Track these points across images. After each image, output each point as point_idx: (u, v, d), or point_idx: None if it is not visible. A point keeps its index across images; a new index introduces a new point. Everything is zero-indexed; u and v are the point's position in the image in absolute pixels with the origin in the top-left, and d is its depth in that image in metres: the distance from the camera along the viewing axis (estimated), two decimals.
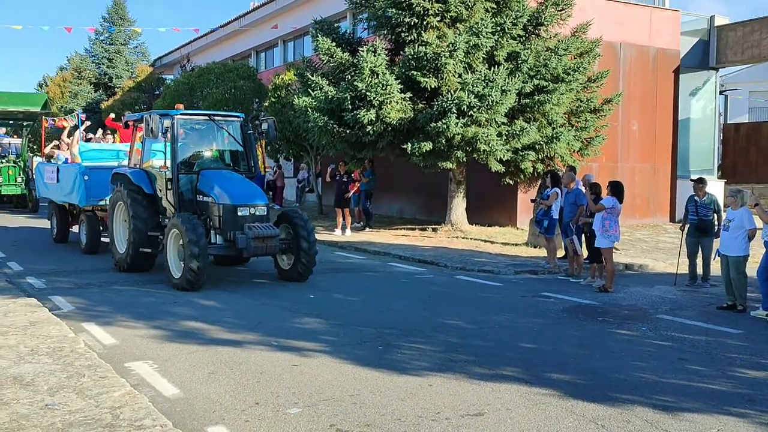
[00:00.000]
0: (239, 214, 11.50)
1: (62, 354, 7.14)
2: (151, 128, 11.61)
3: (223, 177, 12.19)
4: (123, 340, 8.27)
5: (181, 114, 12.82)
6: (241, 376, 6.97)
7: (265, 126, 13.09)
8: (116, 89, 51.42)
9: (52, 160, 17.99)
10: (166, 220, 12.33)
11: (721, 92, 29.94)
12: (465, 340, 8.58)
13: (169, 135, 12.11)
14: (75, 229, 16.94)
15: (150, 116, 11.83)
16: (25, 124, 28.99)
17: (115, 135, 18.53)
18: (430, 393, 6.55)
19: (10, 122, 29.06)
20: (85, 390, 6.06)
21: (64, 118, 18.82)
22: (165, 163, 12.30)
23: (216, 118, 13.32)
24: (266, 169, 13.75)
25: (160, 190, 12.53)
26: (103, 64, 54.58)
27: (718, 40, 25.31)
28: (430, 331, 8.99)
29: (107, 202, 14.09)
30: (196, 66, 36.68)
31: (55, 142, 17.98)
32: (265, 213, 11.83)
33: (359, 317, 9.72)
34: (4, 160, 27.83)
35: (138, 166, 13.19)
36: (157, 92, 42.53)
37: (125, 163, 14.67)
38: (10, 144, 29.73)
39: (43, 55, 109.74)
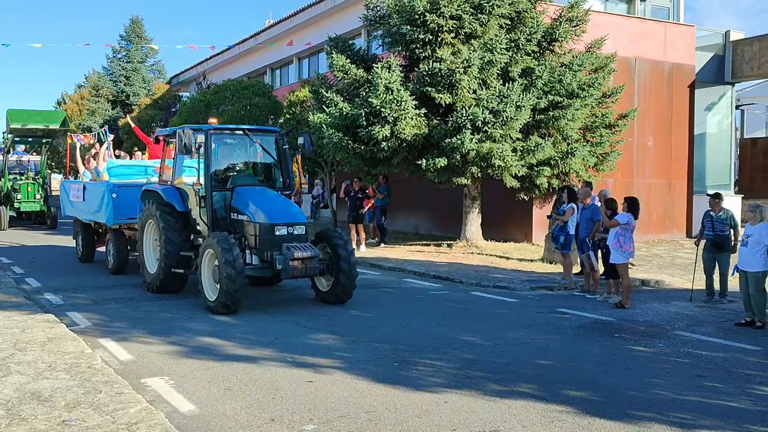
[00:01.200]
0: (277, 233, 10.93)
1: (79, 370, 7.18)
2: (185, 143, 11.18)
3: (259, 194, 11.66)
4: (139, 356, 8.30)
5: (215, 128, 12.27)
6: (256, 392, 6.98)
7: (301, 140, 12.51)
8: (133, 107, 51.86)
9: (78, 177, 17.65)
10: (200, 239, 11.95)
11: (737, 107, 29.80)
12: (480, 356, 8.55)
13: (202, 150, 11.61)
14: (101, 248, 16.58)
15: (183, 131, 11.42)
16: (44, 141, 29.19)
17: (144, 151, 18.07)
18: (445, 410, 6.53)
19: (29, 139, 29.21)
20: (102, 406, 6.09)
21: (90, 135, 18.39)
22: (198, 179, 11.85)
23: (250, 132, 12.78)
24: (303, 185, 13.10)
25: (193, 208, 12.09)
26: (120, 81, 55.13)
27: (734, 55, 25.24)
28: (445, 347, 8.97)
29: (137, 221, 13.63)
30: (212, 83, 36.98)
31: (93, 151, 17.30)
32: (304, 232, 11.26)
33: (374, 333, 9.71)
34: (23, 177, 28.08)
35: (169, 182, 12.71)
36: (174, 109, 42.87)
37: (154, 179, 14.39)
38: (29, 161, 30.08)
39: (62, 73, 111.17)
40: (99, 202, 14.94)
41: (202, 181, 11.70)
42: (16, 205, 27.08)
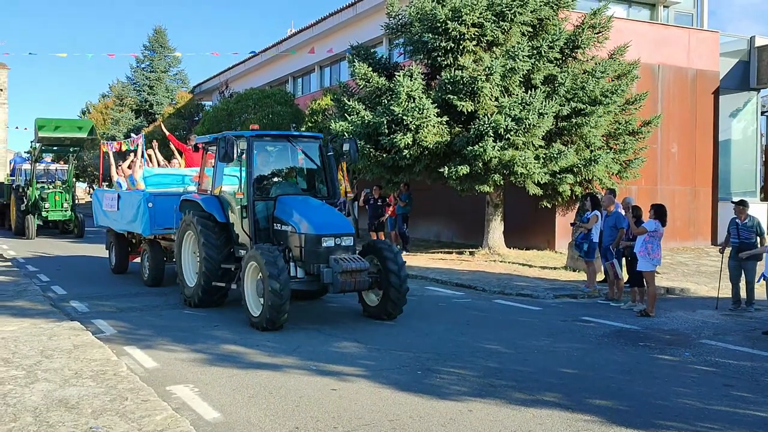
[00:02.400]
0: (324, 245, 10.33)
1: (105, 377, 7.24)
2: (226, 151, 10.68)
3: (304, 203, 11.08)
4: (164, 364, 8.35)
5: (257, 135, 11.65)
6: (280, 400, 6.99)
7: (346, 147, 11.90)
8: (156, 116, 52.36)
9: (112, 185, 17.23)
10: (241, 251, 11.43)
11: (762, 113, 29.48)
12: (504, 365, 8.51)
13: (244, 158, 11.10)
14: (134, 259, 16.35)
15: (225, 138, 10.91)
16: (72, 150, 29.13)
17: (181, 158, 17.48)
18: (470, 419, 6.50)
19: (54, 148, 29.26)
20: (128, 413, 6.13)
21: (123, 142, 17.33)
22: (239, 188, 11.32)
23: (293, 138, 12.24)
24: (347, 194, 12.49)
25: (234, 219, 11.58)
26: (144, 91, 55.71)
27: (759, 61, 25.00)
28: (468, 355, 8.94)
29: (173, 231, 13.24)
30: (234, 92, 37.21)
31: (130, 158, 16.72)
32: (352, 243, 10.66)
33: (397, 341, 9.70)
34: (51, 186, 28.17)
35: (209, 192, 12.17)
36: (197, 118, 43.21)
37: (191, 188, 14.01)
38: (56, 170, 30.26)
39: (86, 83, 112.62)
40: (134, 212, 14.48)
41: (243, 189, 11.18)
42: (44, 213, 27.11)
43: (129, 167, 16.05)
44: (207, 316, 11.34)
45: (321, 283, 10.41)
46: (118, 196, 15.51)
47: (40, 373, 7.37)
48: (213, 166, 12.24)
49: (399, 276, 10.79)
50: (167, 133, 17.72)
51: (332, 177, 12.06)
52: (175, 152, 17.49)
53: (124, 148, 17.00)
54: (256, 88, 34.62)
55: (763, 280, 10.93)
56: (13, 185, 30.21)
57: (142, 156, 15.79)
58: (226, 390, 7.32)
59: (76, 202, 30.27)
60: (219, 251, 11.53)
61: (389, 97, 17.79)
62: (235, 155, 10.82)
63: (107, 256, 17.33)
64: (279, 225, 10.98)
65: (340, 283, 10.04)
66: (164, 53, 55.90)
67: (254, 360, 8.57)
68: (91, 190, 59.75)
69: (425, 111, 16.81)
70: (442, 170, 17.44)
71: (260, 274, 10.10)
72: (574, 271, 16.78)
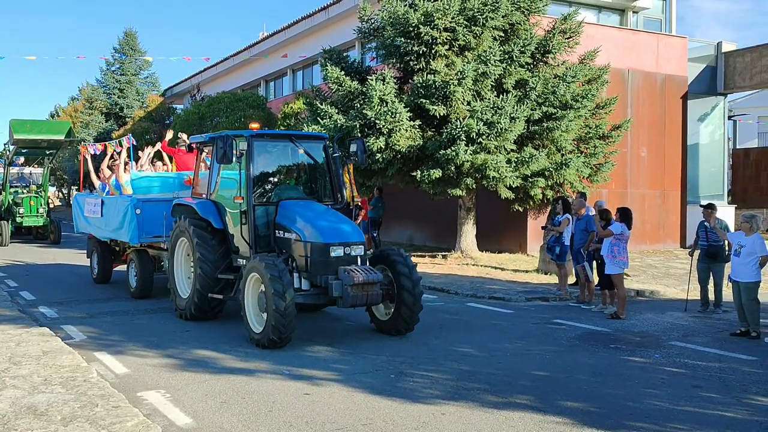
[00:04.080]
0: (332, 254, 9.49)
1: (75, 383, 7.15)
2: (224, 152, 9.87)
3: (309, 209, 10.27)
4: (135, 369, 8.28)
5: (257, 134, 10.83)
6: (253, 405, 6.96)
7: (353, 147, 11.18)
8: (127, 119, 51.87)
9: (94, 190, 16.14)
10: (240, 260, 10.67)
11: (729, 117, 29.97)
12: (477, 368, 8.55)
13: (243, 159, 10.32)
14: (117, 267, 15.51)
15: (223, 137, 10.04)
16: (48, 152, 27.72)
17: (171, 163, 16.21)
18: (443, 422, 6.53)
19: (30, 151, 27.96)
20: (98, 420, 6.07)
21: (109, 144, 16.04)
22: (238, 192, 10.45)
23: (296, 138, 11.40)
24: (355, 199, 11.44)
25: (232, 225, 10.80)
26: (114, 94, 55.11)
27: (726, 66, 25.40)
28: (441, 359, 8.97)
29: (163, 239, 12.63)
30: (206, 95, 37.00)
31: (111, 161, 15.54)
32: (362, 253, 9.80)
33: (370, 345, 9.70)
34: (25, 190, 27.10)
35: (205, 195, 11.42)
36: (168, 122, 42.88)
37: (182, 193, 13.08)
38: (30, 173, 29.09)
39: (55, 85, 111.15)
40: (120, 219, 13.48)
41: (242, 193, 10.33)
42: (18, 219, 26.00)
43: (110, 168, 15.16)
44: (179, 322, 11.25)
45: (329, 297, 9.50)
46: (102, 202, 14.57)
47: (8, 380, 7.27)
48: (208, 168, 11.56)
49: (413, 294, 9.92)
50: (163, 141, 16.57)
51: (338, 180, 11.25)
52: (164, 156, 16.50)
53: (110, 150, 15.78)
54: (228, 92, 34.46)
55: (730, 282, 11.07)
56: None
57: (130, 159, 14.74)
58: (198, 395, 7.27)
59: (54, 207, 29.29)
60: (215, 260, 10.80)
61: (362, 101, 17.80)
62: (233, 156, 10.06)
63: (87, 264, 16.40)
64: (281, 232, 10.17)
65: (351, 296, 9.17)
66: (135, 56, 55.38)
67: (226, 365, 8.53)
68: (60, 194, 59.07)
69: (398, 115, 16.85)
70: (414, 174, 17.48)
71: (262, 287, 9.32)
72: (546, 274, 16.91)
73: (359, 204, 18.15)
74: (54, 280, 16.20)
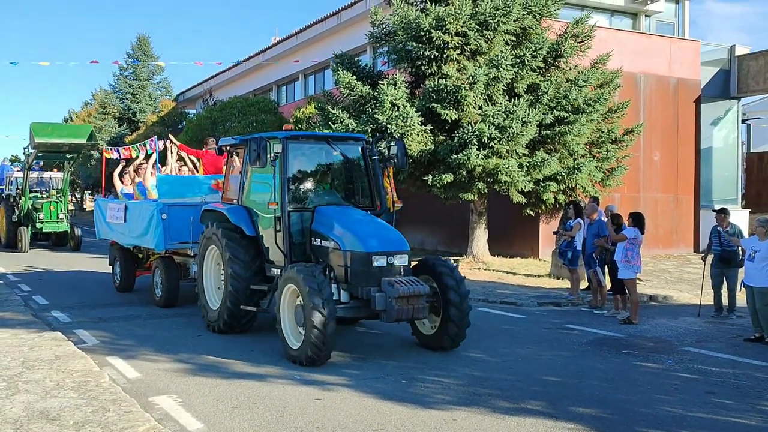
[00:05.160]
0: (375, 264, 8.87)
1: (87, 388, 7.18)
2: (258, 154, 9.33)
3: (347, 215, 9.70)
4: (147, 374, 8.30)
5: (292, 136, 10.28)
6: (264, 410, 6.97)
7: (394, 149, 10.47)
8: (140, 124, 52.15)
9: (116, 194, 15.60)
10: (274, 269, 10.11)
11: (743, 121, 29.78)
12: (488, 373, 8.52)
13: (278, 162, 9.68)
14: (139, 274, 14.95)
15: (257, 139, 9.53)
16: (68, 156, 26.71)
17: (198, 164, 15.49)
18: (454, 427, 6.51)
19: (44, 154, 27.03)
20: (110, 425, 6.09)
21: (132, 147, 15.39)
22: (272, 197, 9.75)
23: (332, 140, 10.81)
24: (396, 204, 10.68)
25: (265, 232, 10.21)
26: (127, 99, 55.46)
27: (739, 70, 25.26)
28: (452, 364, 8.95)
29: (191, 246, 12.17)
30: (218, 100, 37.15)
31: (136, 163, 15.05)
32: (406, 263, 9.20)
33: (381, 350, 9.69)
34: (44, 195, 26.35)
35: (236, 201, 10.81)
36: (180, 126, 43.08)
37: (212, 198, 12.38)
38: (50, 178, 28.34)
39: (69, 90, 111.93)
40: (145, 225, 12.89)
41: (277, 199, 9.67)
42: (38, 225, 25.33)
43: (136, 172, 14.72)
44: (190, 326, 11.28)
45: (371, 310, 8.86)
46: (125, 207, 14.01)
47: (21, 384, 7.31)
48: (240, 172, 10.91)
49: (461, 309, 9.31)
50: (178, 144, 15.79)
51: (378, 184, 10.55)
52: (186, 159, 15.88)
53: (134, 154, 15.30)
54: (240, 96, 34.60)
55: (744, 287, 11.00)
56: (3, 194, 27.99)
57: (155, 162, 14.14)
58: (210, 400, 7.28)
59: (75, 212, 28.61)
60: (248, 269, 10.21)
61: (373, 106, 17.81)
62: (268, 159, 9.49)
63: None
64: (318, 240, 9.58)
65: (396, 310, 8.55)
66: (148, 61, 55.70)
67: (238, 370, 8.54)
68: (74, 198, 59.35)
69: (409, 119, 16.85)
70: (426, 178, 17.47)
71: (299, 300, 8.79)
72: (558, 278, 16.85)
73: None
74: (67, 284, 16.27)
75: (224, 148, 11.60)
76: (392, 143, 10.65)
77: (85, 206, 59.76)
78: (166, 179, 13.80)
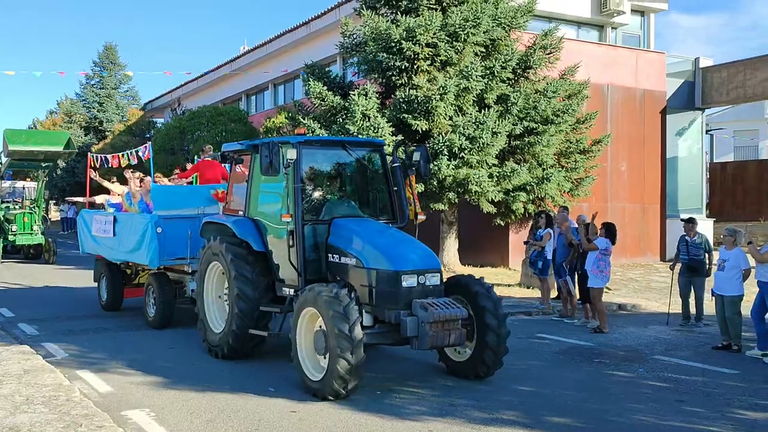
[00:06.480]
0: (404, 284, 7.94)
1: (58, 403, 7.07)
2: (270, 161, 8.43)
3: (368, 228, 8.82)
4: (118, 388, 8.19)
5: (306, 141, 9.35)
6: (239, 423, 6.91)
7: (416, 156, 9.51)
8: (107, 133, 51.52)
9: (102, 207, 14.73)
10: (286, 290, 9.15)
11: (707, 132, 30.31)
12: (462, 383, 8.54)
13: (291, 170, 8.74)
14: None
15: (268, 145, 8.56)
16: (44, 165, 25.33)
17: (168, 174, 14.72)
18: None
19: (26, 163, 25.78)
20: None
21: (122, 155, 14.58)
22: (285, 208, 8.82)
23: (350, 145, 9.80)
24: (419, 216, 9.79)
25: (276, 247, 9.29)
26: (93, 108, 54.76)
27: (704, 81, 25.72)
28: (426, 374, 8.96)
29: (188, 261, 11.44)
30: (186, 109, 36.88)
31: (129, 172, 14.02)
32: (438, 282, 8.31)
33: None
34: (17, 207, 24.98)
35: (242, 213, 9.85)
36: (148, 135, 42.69)
37: (211, 210, 11.59)
38: (23, 187, 27.12)
39: (33, 99, 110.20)
40: (138, 239, 11.94)
41: (290, 210, 8.71)
42: (10, 237, 23.80)
43: (139, 179, 13.66)
44: (161, 338, 11.16)
45: (400, 336, 7.95)
46: (114, 219, 13.04)
47: None
48: (246, 181, 9.95)
49: (498, 334, 8.38)
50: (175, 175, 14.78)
51: (399, 194, 9.64)
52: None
53: (123, 163, 14.48)
54: (209, 106, 34.38)
55: (713, 296, 11.18)
56: None
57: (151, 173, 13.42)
58: (183, 414, 7.21)
59: (50, 224, 27.21)
60: (256, 289, 9.25)
61: (344, 116, 17.81)
62: (280, 166, 8.64)
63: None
64: (336, 256, 8.66)
65: (430, 337, 7.66)
66: (115, 70, 55.09)
67: (211, 383, 8.46)
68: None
69: (380, 130, 16.87)
70: None
71: (320, 325, 7.88)
72: (528, 288, 16.96)
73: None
74: (34, 296, 16.01)
75: (227, 155, 10.46)
76: (414, 149, 9.85)
77: (49, 216, 58.88)
78: (161, 189, 12.96)
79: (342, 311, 7.50)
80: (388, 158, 9.93)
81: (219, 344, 9.59)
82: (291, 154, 8.62)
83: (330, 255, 8.74)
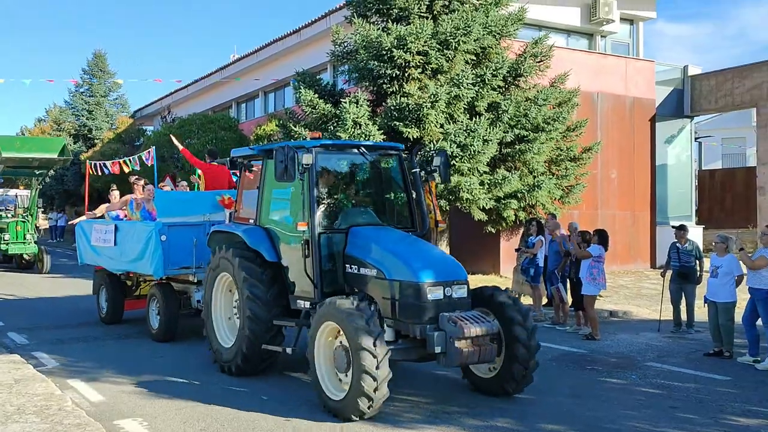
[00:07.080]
0: (429, 297, 7.52)
1: (50, 413, 7.02)
2: (285, 166, 7.92)
3: (389, 237, 8.41)
4: (110, 397, 8.14)
5: (322, 145, 8.88)
6: None
7: (436, 161, 9.12)
8: (96, 141, 51.34)
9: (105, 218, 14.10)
10: (301, 302, 8.72)
11: (696, 139, 30.48)
12: (456, 391, 8.54)
13: (307, 176, 8.36)
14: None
15: (283, 149, 8.00)
16: (38, 172, 24.90)
17: (199, 179, 13.86)
18: None
19: (11, 170, 25.27)
20: None
21: (124, 161, 14.20)
22: (301, 216, 8.43)
23: (367, 150, 9.27)
24: (439, 224, 9.56)
25: (290, 257, 8.84)
26: (82, 115, 54.54)
27: (692, 89, 25.89)
28: (420, 382, 8.95)
29: (192, 270, 11.08)
30: (176, 117, 36.80)
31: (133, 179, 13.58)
32: (465, 295, 7.90)
33: None
34: (9, 215, 24.30)
35: (252, 221, 9.41)
36: (137, 143, 42.55)
37: (217, 217, 11.27)
38: (17, 196, 26.59)
39: (22, 107, 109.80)
40: (141, 248, 11.51)
41: (306, 218, 8.33)
42: (2, 246, 23.32)
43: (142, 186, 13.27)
44: (153, 347, 11.11)
45: (425, 352, 7.59)
46: (116, 228, 12.57)
47: None
48: (257, 187, 9.49)
49: (528, 348, 7.93)
50: (181, 147, 14.14)
51: (419, 201, 9.22)
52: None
53: (126, 169, 14.05)
54: (199, 113, 34.34)
55: (706, 303, 11.21)
56: None
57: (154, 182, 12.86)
58: (176, 423, 7.17)
59: (43, 234, 26.73)
60: (269, 301, 8.79)
61: (335, 124, 17.81)
62: (296, 172, 8.12)
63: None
64: (354, 267, 8.22)
65: (458, 353, 7.26)
66: (104, 78, 54.93)
67: (204, 391, 8.42)
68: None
69: (371, 137, 16.88)
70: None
71: (341, 341, 7.43)
72: (519, 295, 16.92)
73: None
74: (24, 305, 15.91)
75: (236, 160, 10.13)
76: (434, 153, 9.54)
77: (38, 224, 58.53)
78: (164, 195, 12.67)
79: (365, 324, 7.06)
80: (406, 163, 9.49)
81: (229, 360, 9.17)
82: (307, 159, 8.27)
83: (348, 265, 8.33)
